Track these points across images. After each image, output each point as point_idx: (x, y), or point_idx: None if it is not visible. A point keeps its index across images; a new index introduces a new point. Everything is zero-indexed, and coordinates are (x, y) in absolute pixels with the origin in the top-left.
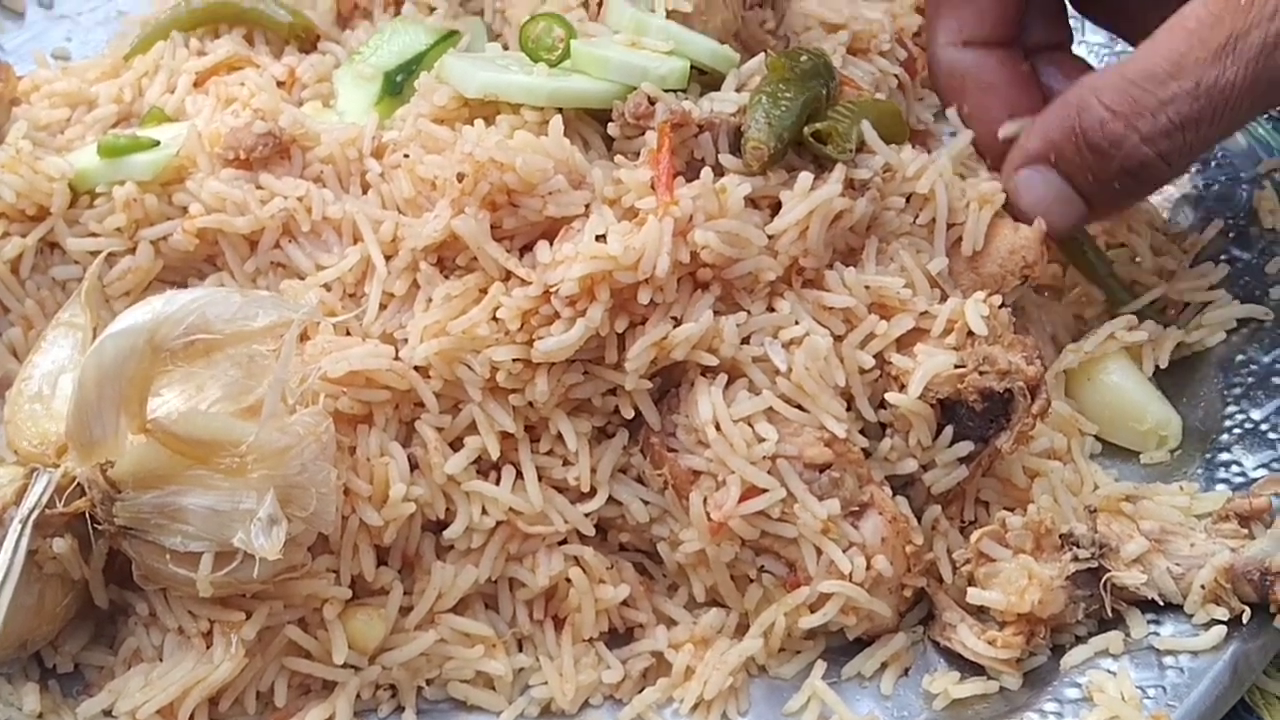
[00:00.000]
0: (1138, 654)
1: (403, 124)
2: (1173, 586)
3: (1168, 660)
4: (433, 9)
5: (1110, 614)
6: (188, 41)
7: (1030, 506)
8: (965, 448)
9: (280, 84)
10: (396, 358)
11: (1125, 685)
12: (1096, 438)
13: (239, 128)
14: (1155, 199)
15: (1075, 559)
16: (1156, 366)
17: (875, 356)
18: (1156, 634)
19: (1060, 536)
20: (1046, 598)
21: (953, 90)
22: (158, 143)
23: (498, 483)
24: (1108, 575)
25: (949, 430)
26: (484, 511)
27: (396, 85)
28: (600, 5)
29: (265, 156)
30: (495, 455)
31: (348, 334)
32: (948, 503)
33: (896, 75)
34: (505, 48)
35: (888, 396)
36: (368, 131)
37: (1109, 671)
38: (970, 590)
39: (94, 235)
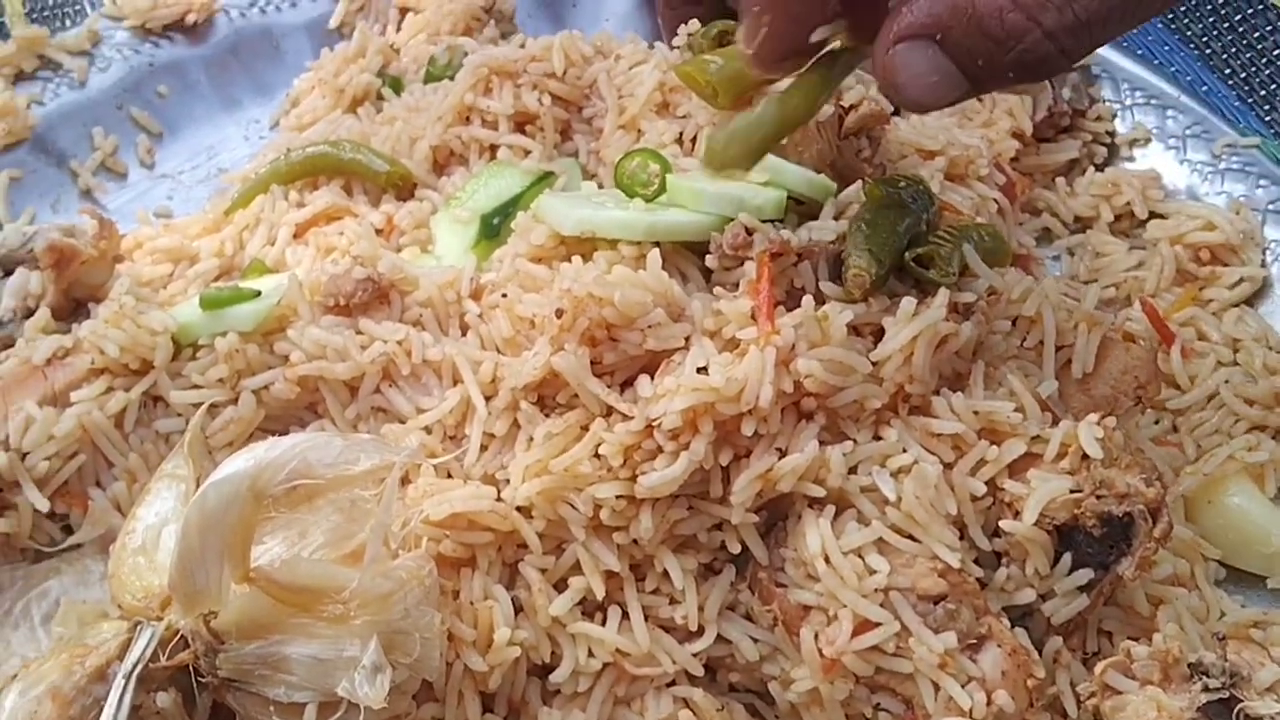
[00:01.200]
0: None
1: (500, 265)
2: None
3: None
4: (528, 152)
5: None
6: (287, 194)
7: (1156, 636)
8: (1085, 575)
9: (379, 231)
10: (499, 499)
11: None
12: (1220, 563)
13: (338, 274)
14: None
15: (1206, 689)
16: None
17: (987, 483)
18: None
19: (1189, 666)
20: None
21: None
22: (259, 293)
23: (603, 623)
24: (1240, 705)
25: (1067, 558)
26: (590, 654)
27: (493, 228)
28: (695, 141)
29: (365, 302)
30: (600, 596)
31: (449, 476)
32: (1069, 634)
33: (995, 200)
34: (600, 187)
35: (1003, 524)
36: (466, 273)
37: None
38: None
39: (196, 387)
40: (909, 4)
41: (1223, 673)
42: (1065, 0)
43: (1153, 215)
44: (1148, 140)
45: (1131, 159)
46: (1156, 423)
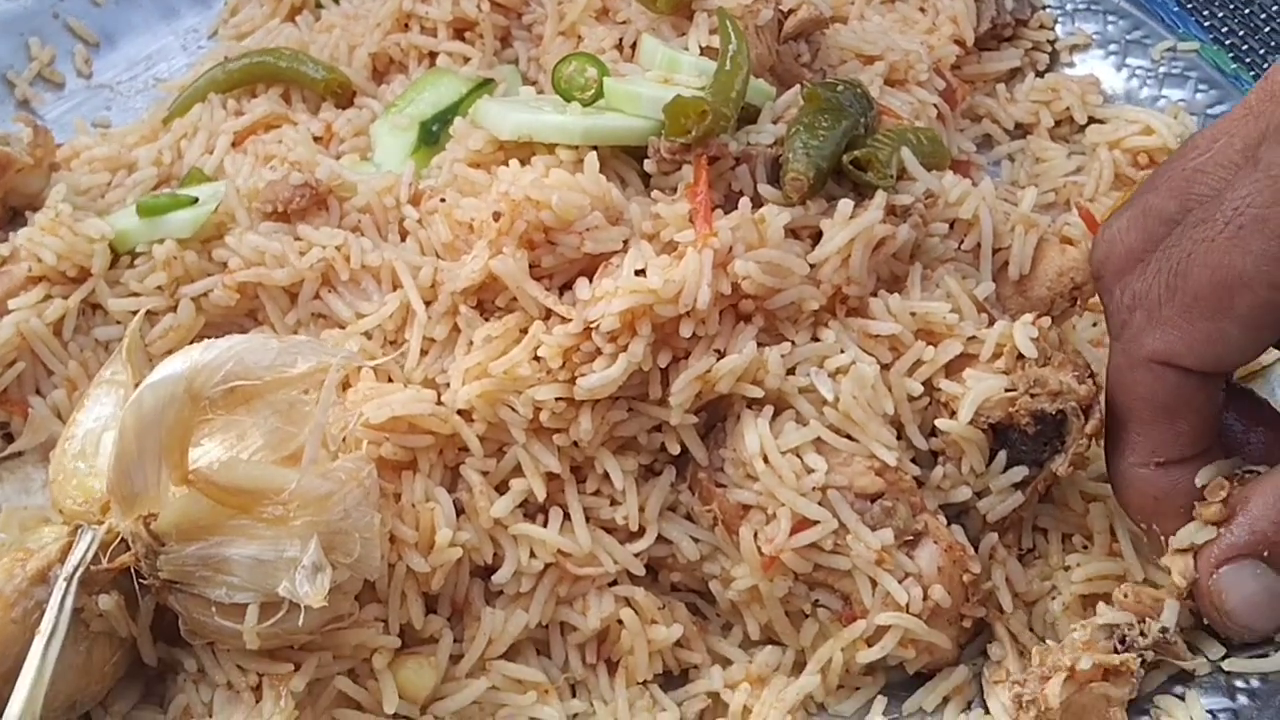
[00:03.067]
0: (1206, 679)
1: (439, 171)
2: None
3: (1238, 683)
4: (467, 59)
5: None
6: (225, 103)
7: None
8: (1020, 473)
9: (317, 139)
10: (439, 402)
11: (1195, 711)
12: None
13: (276, 181)
14: None
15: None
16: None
17: (924, 383)
18: (1226, 656)
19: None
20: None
21: (1149, 513)
22: (196, 200)
23: (545, 525)
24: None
25: (1002, 455)
26: (532, 555)
27: (433, 134)
28: (634, 47)
29: (303, 208)
30: (541, 497)
31: (390, 381)
32: (1004, 531)
33: (935, 105)
34: (540, 93)
35: (938, 423)
36: (404, 179)
37: (1177, 697)
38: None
39: (135, 295)
40: (1230, 525)
41: (1132, 626)
42: None
43: (1092, 120)
44: (1087, 46)
45: (1071, 65)
46: (1095, 325)
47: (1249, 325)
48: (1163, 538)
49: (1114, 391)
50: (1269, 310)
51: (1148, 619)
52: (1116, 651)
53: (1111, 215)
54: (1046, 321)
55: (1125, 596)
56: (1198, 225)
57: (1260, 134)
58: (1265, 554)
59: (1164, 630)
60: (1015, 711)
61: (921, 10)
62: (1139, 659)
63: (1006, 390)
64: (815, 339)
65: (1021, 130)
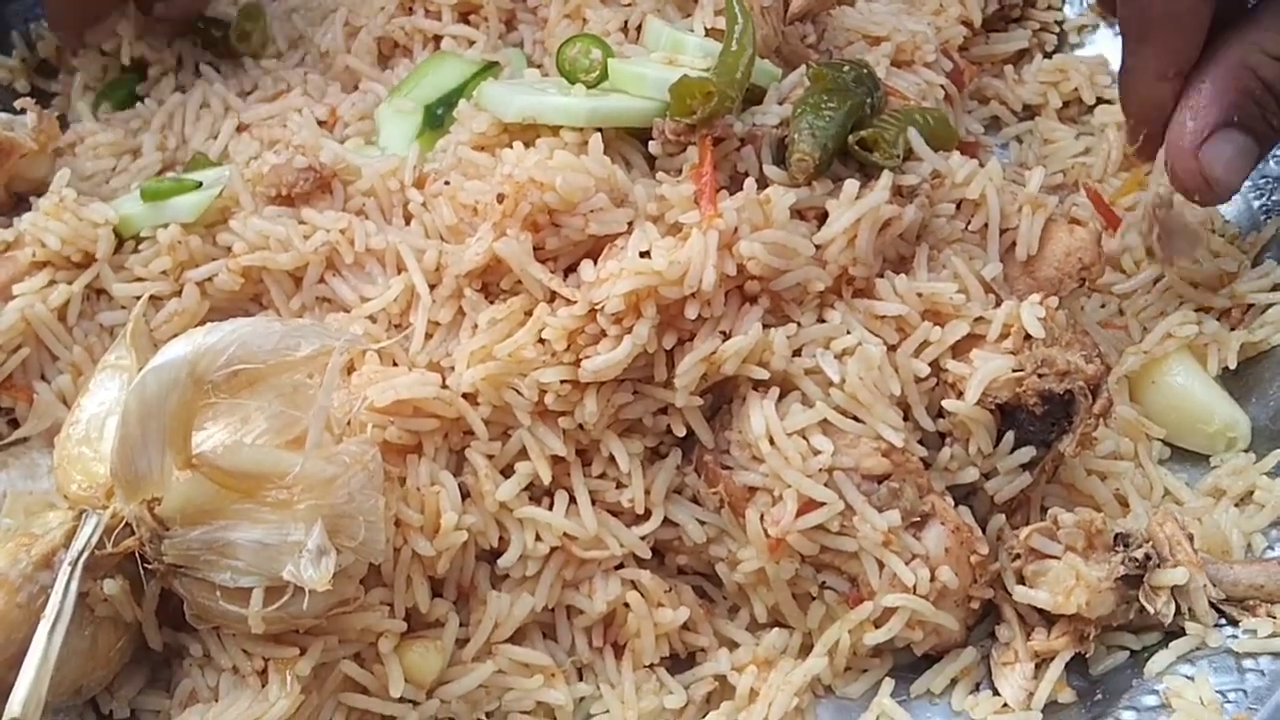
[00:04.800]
0: (1216, 658)
1: (444, 154)
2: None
3: (1247, 663)
4: (472, 43)
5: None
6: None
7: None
8: (1027, 453)
9: (322, 123)
10: (444, 385)
11: (1204, 690)
12: (1164, 442)
13: (280, 164)
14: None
15: (1125, 561)
16: (1225, 369)
17: (930, 364)
18: (1235, 636)
19: (1115, 537)
20: (1094, 599)
21: (1146, 117)
22: (200, 184)
23: (551, 508)
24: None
25: (1010, 436)
26: (538, 538)
27: (437, 118)
28: (639, 29)
29: (307, 192)
30: (547, 480)
31: (395, 364)
32: (1012, 511)
33: (943, 86)
34: (545, 76)
35: (945, 404)
36: (409, 162)
37: (1187, 677)
38: (1018, 589)
39: (140, 279)
40: (1192, 107)
41: (1142, 544)
42: None
43: (1100, 101)
44: (1096, 26)
45: (1080, 45)
46: (1103, 306)
47: None
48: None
49: (1132, 13)
50: None
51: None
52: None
53: None
54: (1054, 301)
55: (1160, 523)
56: None
57: None
58: (1235, 119)
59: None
60: (1029, 684)
61: None
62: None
63: (1014, 370)
64: (821, 320)
65: (1029, 111)
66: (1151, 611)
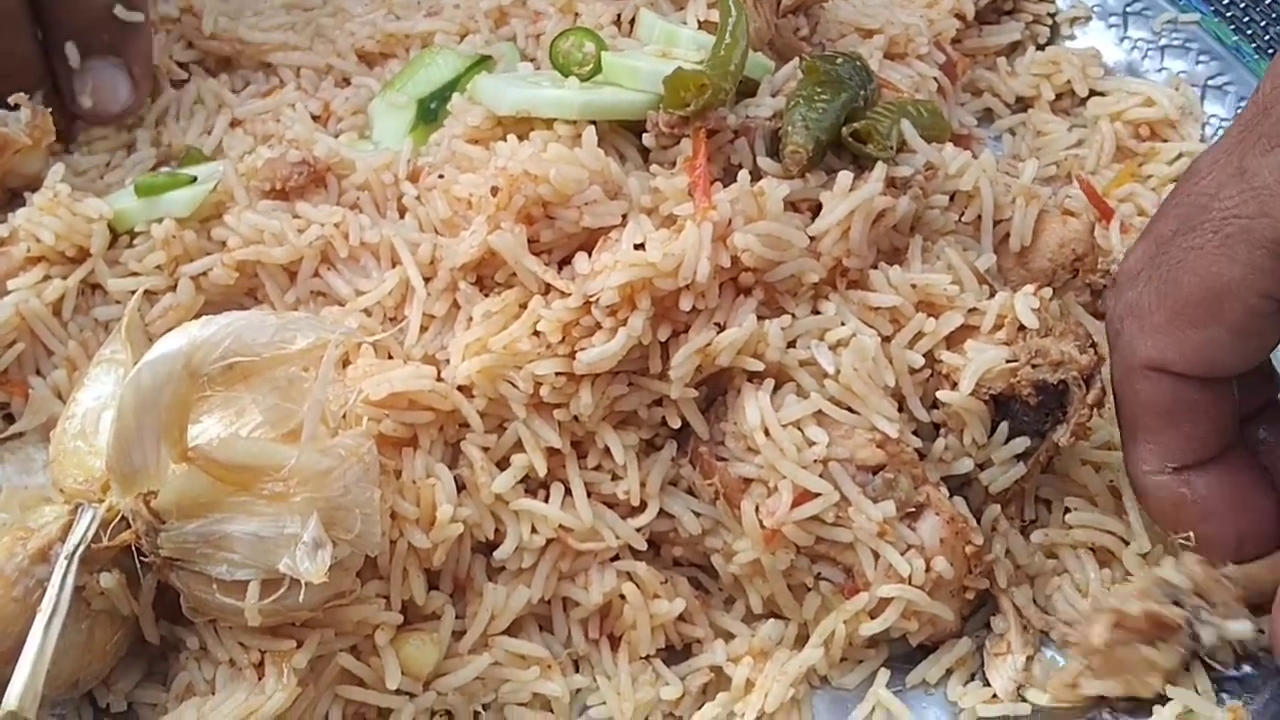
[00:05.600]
0: None
1: (437, 148)
2: None
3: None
4: (463, 37)
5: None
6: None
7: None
8: (1022, 444)
9: (315, 118)
10: (439, 378)
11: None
12: None
13: (274, 159)
14: None
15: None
16: None
17: (925, 355)
18: None
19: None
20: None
21: (1170, 519)
22: (194, 179)
23: (546, 500)
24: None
25: (1004, 427)
26: (534, 530)
27: (431, 111)
28: (632, 22)
29: (301, 186)
30: (542, 472)
31: (390, 358)
32: (1007, 502)
33: (936, 79)
34: (538, 69)
35: (939, 395)
36: (403, 156)
37: None
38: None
39: (134, 274)
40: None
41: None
42: None
43: (1093, 93)
44: (1088, 18)
45: (1072, 37)
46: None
47: (1239, 332)
48: (1196, 543)
49: (1119, 403)
50: (1258, 318)
51: (1208, 604)
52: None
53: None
54: (1048, 292)
55: (1194, 565)
56: (1187, 233)
57: (1258, 138)
58: None
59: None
60: (1019, 676)
61: None
62: (1188, 622)
63: (1008, 361)
64: (815, 312)
65: (1022, 104)
66: (1218, 668)
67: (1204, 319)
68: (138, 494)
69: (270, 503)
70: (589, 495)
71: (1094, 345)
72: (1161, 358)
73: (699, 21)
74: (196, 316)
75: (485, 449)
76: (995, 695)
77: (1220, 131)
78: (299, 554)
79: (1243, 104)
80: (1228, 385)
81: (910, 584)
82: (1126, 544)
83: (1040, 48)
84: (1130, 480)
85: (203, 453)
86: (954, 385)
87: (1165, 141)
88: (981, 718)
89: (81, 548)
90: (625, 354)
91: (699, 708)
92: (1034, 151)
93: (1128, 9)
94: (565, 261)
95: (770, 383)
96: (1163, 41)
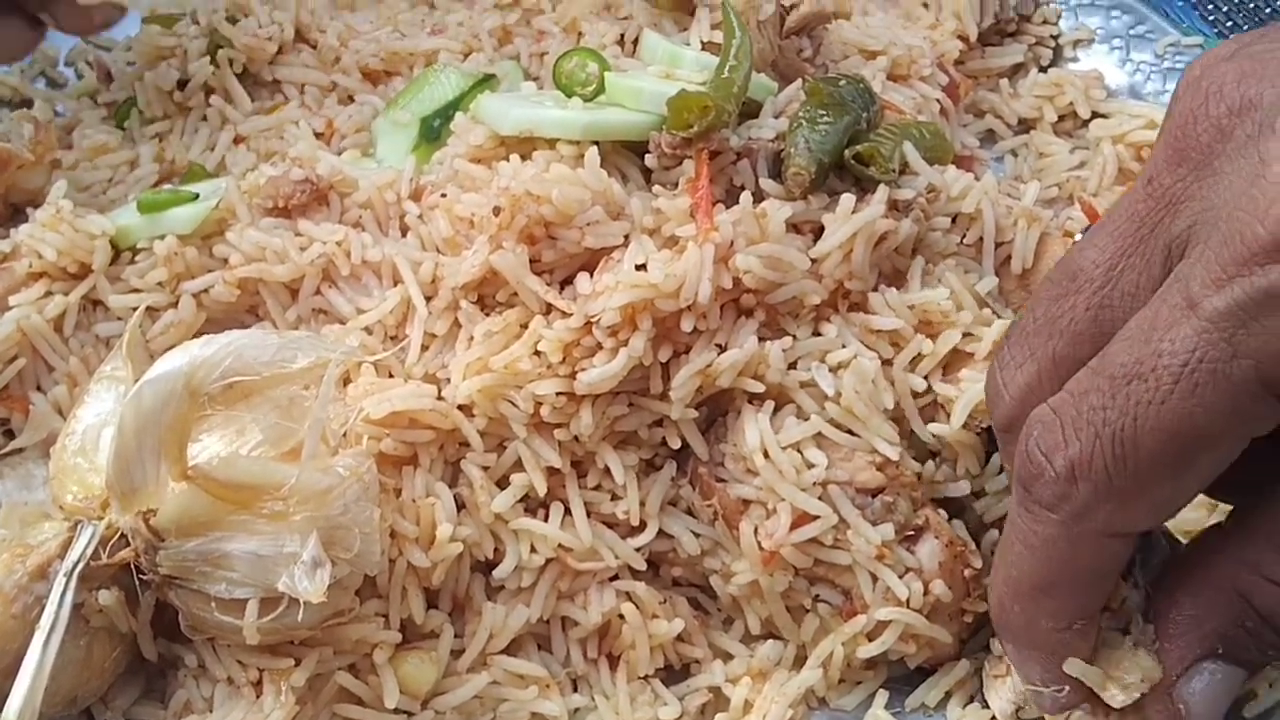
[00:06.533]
0: None
1: (440, 166)
2: None
3: None
4: (467, 55)
5: None
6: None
7: None
8: None
9: (319, 135)
10: (439, 397)
11: None
12: None
13: (277, 176)
14: None
15: None
16: None
17: (926, 378)
18: None
19: None
20: None
21: (1055, 673)
22: (196, 196)
23: (546, 520)
24: None
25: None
26: (533, 549)
27: (434, 130)
28: (635, 42)
29: (304, 203)
30: (542, 492)
31: (390, 376)
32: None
33: (938, 100)
34: (541, 88)
35: (932, 428)
36: (405, 174)
37: None
38: None
39: (136, 291)
40: (1169, 633)
41: None
42: None
43: (1095, 115)
44: (1091, 41)
45: (1075, 60)
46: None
47: (1208, 478)
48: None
49: (1035, 559)
50: (1229, 459)
51: None
52: None
53: (994, 367)
54: None
55: None
56: (1134, 381)
57: (1168, 245)
58: (1219, 650)
59: None
60: (1018, 698)
61: (925, 5)
62: None
63: None
64: (817, 334)
65: (1024, 125)
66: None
67: (1173, 476)
68: (137, 512)
69: (270, 521)
70: (588, 515)
71: None
72: (1127, 521)
73: (702, 42)
74: (198, 333)
75: (485, 468)
76: (994, 717)
77: None
78: (298, 573)
79: None
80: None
81: (909, 607)
82: None
83: (1043, 70)
84: (1014, 635)
85: (203, 471)
86: (949, 416)
87: None
88: None
89: (81, 565)
90: (626, 374)
91: None
92: (1036, 173)
93: (1131, 32)
94: (567, 281)
95: (770, 404)
96: (1165, 64)
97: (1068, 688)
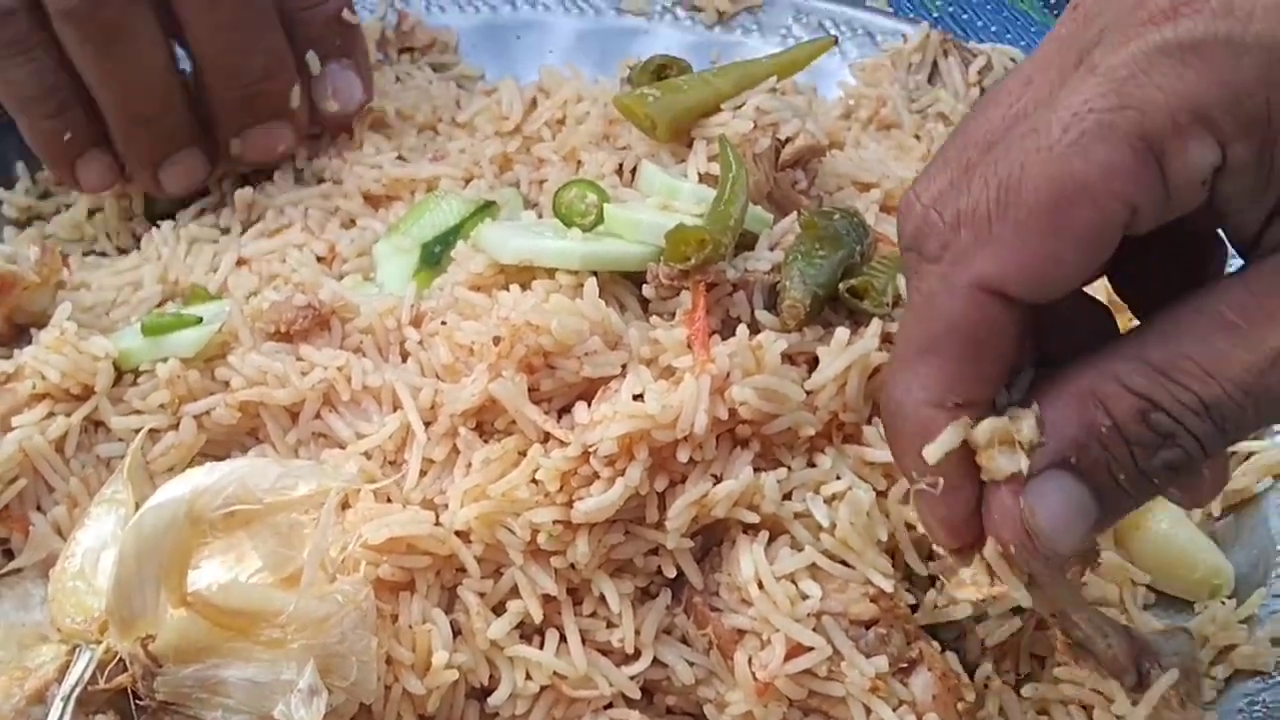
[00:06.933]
0: None
1: (440, 293)
2: None
3: None
4: (468, 181)
5: None
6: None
7: None
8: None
9: (321, 259)
10: (437, 523)
11: None
12: (1149, 588)
13: (280, 302)
14: None
15: None
16: (1209, 515)
17: None
18: None
19: None
20: None
21: (913, 456)
22: (200, 319)
23: (541, 647)
24: None
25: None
26: (528, 676)
27: (434, 255)
28: (634, 171)
29: (306, 329)
30: (538, 619)
31: (389, 501)
32: (1001, 657)
33: None
34: (540, 216)
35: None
36: (406, 301)
37: None
38: None
39: (138, 412)
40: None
41: None
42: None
43: None
44: None
45: None
46: None
47: (1085, 246)
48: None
49: (917, 319)
50: (1108, 228)
51: None
52: None
53: (909, 187)
54: None
55: None
56: (1028, 135)
57: (1081, 51)
58: (1073, 461)
59: None
60: None
61: (917, 137)
62: None
63: None
64: (811, 465)
65: None
66: None
67: (1051, 230)
68: (136, 638)
69: (267, 649)
70: (584, 642)
71: None
72: (1000, 274)
73: (699, 174)
74: (198, 454)
75: (481, 594)
76: None
77: None
78: (294, 701)
79: None
80: (1030, 315)
81: None
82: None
83: None
84: (882, 406)
85: (202, 598)
86: None
87: None
88: None
89: (78, 689)
90: (622, 503)
91: None
92: None
93: None
94: (564, 410)
95: (765, 534)
96: None
97: (941, 479)
